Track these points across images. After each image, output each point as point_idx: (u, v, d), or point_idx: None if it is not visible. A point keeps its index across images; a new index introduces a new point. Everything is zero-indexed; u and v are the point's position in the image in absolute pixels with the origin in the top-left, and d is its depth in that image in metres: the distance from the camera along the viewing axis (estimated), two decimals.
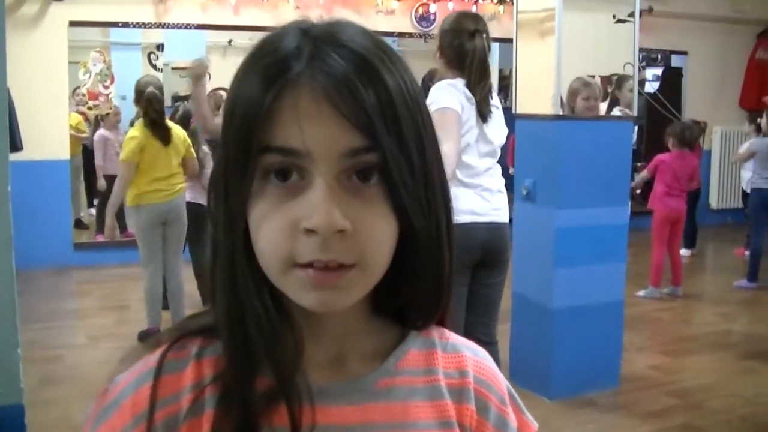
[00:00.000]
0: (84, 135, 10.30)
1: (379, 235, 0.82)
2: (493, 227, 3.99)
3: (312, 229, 0.78)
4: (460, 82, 3.97)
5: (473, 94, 3.95)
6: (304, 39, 0.82)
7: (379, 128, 0.79)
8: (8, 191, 2.70)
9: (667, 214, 7.94)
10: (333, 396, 0.89)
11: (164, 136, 6.07)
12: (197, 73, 5.76)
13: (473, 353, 1.00)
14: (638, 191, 8.04)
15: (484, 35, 4.05)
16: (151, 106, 6.03)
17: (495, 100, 4.12)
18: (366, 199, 0.81)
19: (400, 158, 0.81)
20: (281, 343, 0.85)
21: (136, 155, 6.04)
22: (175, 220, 6.25)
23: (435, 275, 0.91)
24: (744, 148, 8.81)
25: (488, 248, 3.99)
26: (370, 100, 0.79)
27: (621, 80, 6.08)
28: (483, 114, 3.98)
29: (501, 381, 1.01)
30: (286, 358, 0.85)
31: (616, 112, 5.82)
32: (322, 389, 0.88)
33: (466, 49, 3.99)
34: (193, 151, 6.45)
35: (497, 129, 4.10)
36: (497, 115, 4.10)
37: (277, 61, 0.81)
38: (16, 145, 6.29)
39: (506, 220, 4.14)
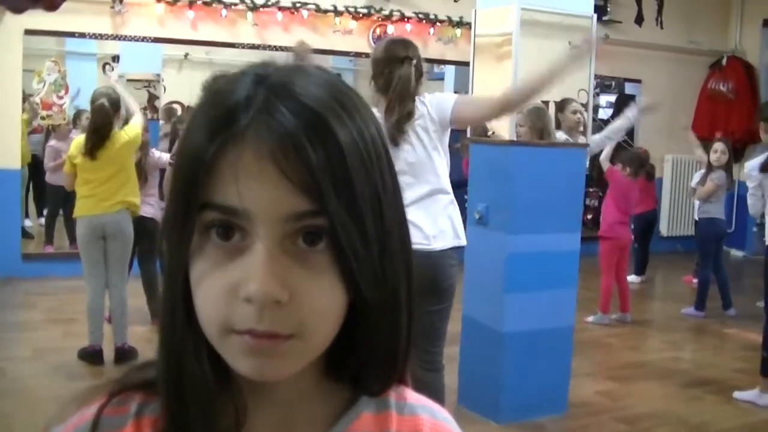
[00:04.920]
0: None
1: (321, 305, 0.76)
2: (423, 256, 3.71)
3: (248, 297, 0.72)
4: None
5: (390, 116, 3.93)
6: (257, 88, 0.76)
7: (326, 192, 0.73)
8: None
9: (617, 243, 8.04)
10: None
11: (89, 149, 5.89)
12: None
13: (431, 415, 0.94)
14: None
15: (414, 61, 4.04)
16: (91, 117, 6.00)
17: (421, 121, 4.02)
18: (311, 267, 0.75)
19: (350, 225, 0.75)
20: (219, 411, 0.80)
21: (69, 167, 6.05)
22: (115, 236, 6.03)
23: (389, 345, 0.85)
24: (708, 184, 8.70)
25: (422, 277, 3.90)
26: (318, 161, 0.72)
27: (563, 103, 6.06)
28: (393, 137, 3.90)
29: None
30: (224, 428, 0.80)
31: (560, 136, 5.83)
32: None
33: (394, 77, 3.98)
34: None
35: (416, 152, 4.03)
36: (419, 137, 4.02)
37: (224, 112, 0.75)
38: None
39: (443, 246, 4.00)
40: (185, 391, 0.79)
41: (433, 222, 4.00)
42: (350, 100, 0.79)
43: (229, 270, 0.74)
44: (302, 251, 0.75)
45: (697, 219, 8.93)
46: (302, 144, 0.72)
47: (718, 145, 8.46)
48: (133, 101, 6.62)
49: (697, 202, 9.22)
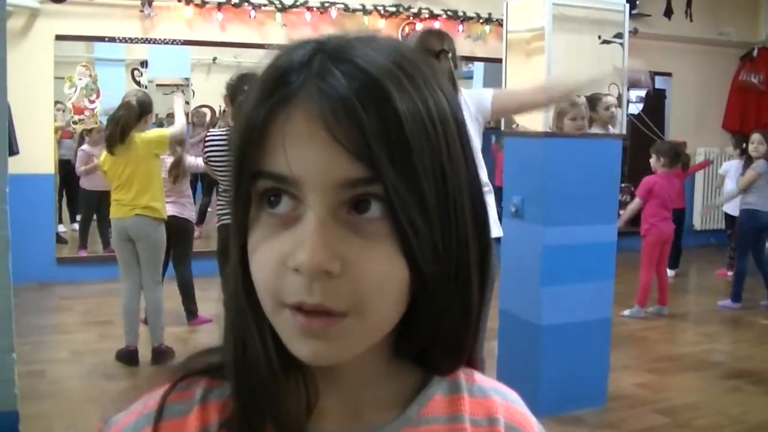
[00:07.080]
0: None
1: (379, 278, 0.71)
2: None
3: (296, 267, 0.69)
4: None
5: None
6: (314, 54, 0.72)
7: (379, 157, 0.68)
8: (6, 192, 2.66)
9: (659, 237, 7.98)
10: None
11: (108, 141, 5.93)
12: None
13: (503, 397, 0.92)
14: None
15: (450, 54, 3.98)
16: (115, 110, 6.01)
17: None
18: (366, 237, 0.71)
19: (405, 193, 0.70)
20: (288, 393, 0.77)
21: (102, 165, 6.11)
22: (139, 239, 6.03)
23: (455, 322, 0.80)
24: (749, 172, 8.57)
25: None
26: (371, 125, 0.68)
27: (594, 100, 6.02)
28: None
29: (534, 426, 0.93)
30: (292, 412, 0.77)
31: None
32: None
33: None
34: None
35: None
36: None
37: (277, 76, 0.72)
38: (12, 148, 6.22)
39: None
40: (250, 373, 0.77)
41: None
42: (415, 67, 0.74)
43: (281, 240, 0.71)
44: (357, 221, 0.71)
45: (726, 212, 8.88)
46: (354, 107, 0.68)
47: (755, 137, 8.44)
48: (181, 120, 6.45)
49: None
